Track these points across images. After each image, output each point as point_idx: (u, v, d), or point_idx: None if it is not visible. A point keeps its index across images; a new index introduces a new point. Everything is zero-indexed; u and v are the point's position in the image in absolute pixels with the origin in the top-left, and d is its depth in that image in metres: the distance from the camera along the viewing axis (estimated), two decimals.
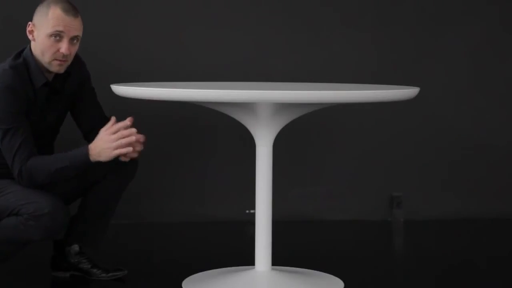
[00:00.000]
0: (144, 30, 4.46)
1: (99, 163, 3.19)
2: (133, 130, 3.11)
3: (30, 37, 3.19)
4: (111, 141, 3.10)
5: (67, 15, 3.12)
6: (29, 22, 3.17)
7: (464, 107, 4.69)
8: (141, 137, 3.13)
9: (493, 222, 4.62)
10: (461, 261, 3.82)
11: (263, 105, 3.11)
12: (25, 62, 3.18)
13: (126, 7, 4.44)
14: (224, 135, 4.52)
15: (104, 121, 3.38)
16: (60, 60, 3.16)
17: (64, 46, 3.13)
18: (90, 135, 3.36)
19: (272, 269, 3.31)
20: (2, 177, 3.22)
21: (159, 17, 4.47)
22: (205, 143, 4.55)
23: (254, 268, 3.31)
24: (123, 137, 3.10)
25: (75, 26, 3.15)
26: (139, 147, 3.15)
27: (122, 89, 3.14)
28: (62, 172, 3.13)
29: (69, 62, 3.20)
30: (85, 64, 3.39)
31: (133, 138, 3.11)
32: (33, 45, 3.20)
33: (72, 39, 3.15)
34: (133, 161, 3.33)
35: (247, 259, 3.48)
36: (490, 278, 3.53)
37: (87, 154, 3.12)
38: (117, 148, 3.09)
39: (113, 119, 3.14)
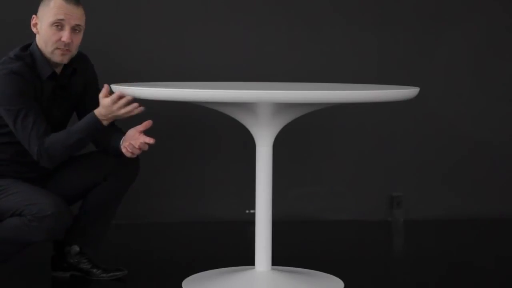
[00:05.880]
0: (144, 30, 4.46)
1: (100, 164, 3.27)
2: (130, 98, 3.12)
3: (34, 30, 3.22)
4: (115, 111, 3.12)
5: (68, 4, 3.16)
6: (33, 15, 3.21)
7: (464, 107, 4.69)
8: (150, 140, 3.14)
9: (493, 222, 4.62)
10: (461, 261, 3.82)
11: (263, 105, 3.11)
12: (31, 54, 3.20)
13: (126, 7, 4.44)
14: (224, 135, 4.52)
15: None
16: (62, 49, 3.17)
17: (65, 34, 3.15)
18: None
19: (272, 269, 3.31)
20: (2, 174, 3.23)
21: (159, 17, 4.47)
22: (205, 143, 4.55)
23: (254, 268, 3.31)
24: (123, 106, 3.12)
25: (76, 15, 3.18)
26: (145, 148, 3.18)
27: (122, 89, 3.14)
28: (79, 144, 3.17)
29: (72, 53, 3.22)
30: (93, 66, 3.41)
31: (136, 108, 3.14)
32: (37, 38, 3.22)
33: (74, 28, 3.18)
34: (134, 164, 3.34)
35: (247, 259, 3.48)
36: (490, 278, 3.53)
37: (98, 121, 3.15)
38: (123, 113, 3.12)
39: (106, 86, 3.16)
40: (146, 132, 3.18)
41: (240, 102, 3.09)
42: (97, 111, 3.15)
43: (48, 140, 3.12)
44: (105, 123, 3.16)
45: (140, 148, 3.18)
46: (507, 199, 4.72)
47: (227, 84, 3.48)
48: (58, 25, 3.15)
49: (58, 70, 3.25)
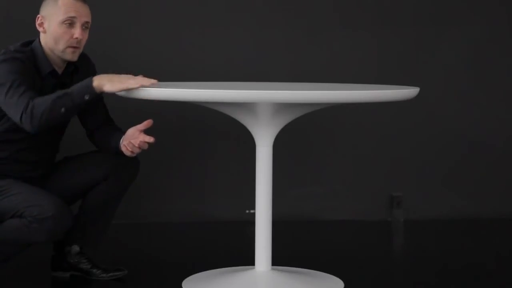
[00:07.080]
0: (144, 30, 4.46)
1: (100, 164, 3.27)
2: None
3: (40, 29, 3.22)
4: (120, 77, 3.04)
5: (76, 1, 3.19)
6: (38, 15, 3.21)
7: (464, 107, 4.69)
8: (150, 139, 3.14)
9: (493, 222, 4.62)
10: (461, 261, 3.82)
11: (263, 105, 3.11)
12: (32, 50, 3.21)
13: (125, 7, 4.44)
14: (224, 135, 4.52)
15: (109, 122, 3.40)
16: (73, 47, 3.19)
17: (77, 31, 3.18)
18: (94, 135, 3.37)
19: (272, 269, 3.31)
20: (3, 174, 3.23)
21: (159, 17, 4.47)
22: (205, 143, 4.55)
23: (254, 268, 3.31)
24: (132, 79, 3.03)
25: (85, 12, 3.21)
26: (145, 147, 3.18)
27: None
28: (63, 100, 3.03)
29: (81, 50, 3.24)
30: (94, 65, 3.41)
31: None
32: (43, 37, 3.22)
33: (83, 26, 3.20)
34: (134, 164, 3.34)
35: (247, 259, 3.48)
36: (490, 278, 3.53)
37: (90, 80, 3.05)
38: (123, 83, 3.01)
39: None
40: (146, 132, 3.18)
41: (240, 102, 3.09)
42: (97, 75, 3.09)
43: (35, 100, 3.02)
44: (95, 84, 3.03)
45: (140, 147, 3.18)
46: (507, 199, 4.72)
47: (227, 84, 3.48)
48: (70, 22, 3.17)
49: (60, 69, 3.26)
